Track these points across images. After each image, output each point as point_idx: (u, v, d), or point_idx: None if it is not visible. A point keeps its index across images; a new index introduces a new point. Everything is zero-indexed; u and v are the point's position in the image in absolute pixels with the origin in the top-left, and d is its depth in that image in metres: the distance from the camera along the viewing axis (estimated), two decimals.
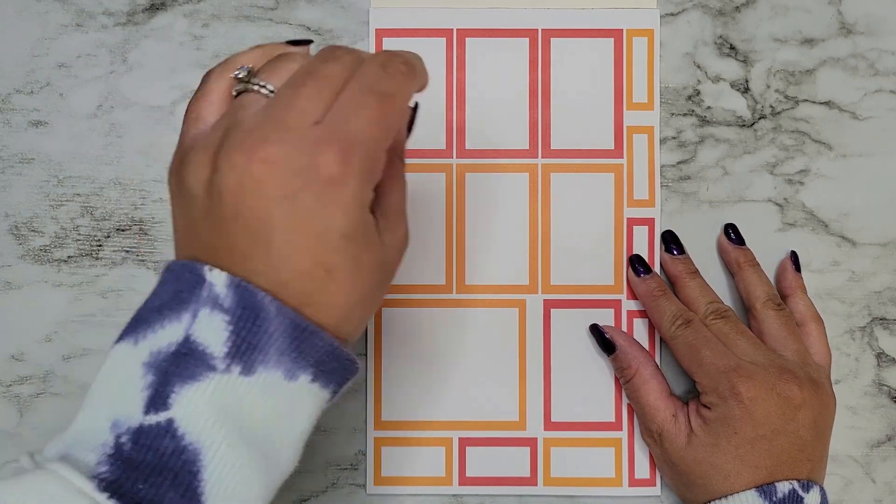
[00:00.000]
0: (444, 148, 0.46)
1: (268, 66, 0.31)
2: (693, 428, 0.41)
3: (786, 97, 0.47)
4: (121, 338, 0.30)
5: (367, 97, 0.29)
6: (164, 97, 0.46)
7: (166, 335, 0.29)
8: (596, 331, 0.45)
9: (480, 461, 0.45)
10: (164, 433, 0.28)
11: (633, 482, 0.45)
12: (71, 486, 0.26)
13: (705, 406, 0.41)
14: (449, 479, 0.45)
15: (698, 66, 0.47)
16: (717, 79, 0.47)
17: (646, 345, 0.46)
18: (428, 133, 0.46)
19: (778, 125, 0.47)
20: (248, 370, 0.28)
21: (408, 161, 0.46)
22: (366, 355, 0.46)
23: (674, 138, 0.47)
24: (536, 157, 0.46)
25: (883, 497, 0.46)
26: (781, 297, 0.45)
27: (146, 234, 0.46)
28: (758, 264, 0.45)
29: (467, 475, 0.46)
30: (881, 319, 0.47)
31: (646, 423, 0.43)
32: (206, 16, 0.47)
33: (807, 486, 0.39)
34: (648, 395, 0.43)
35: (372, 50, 0.46)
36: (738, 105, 0.47)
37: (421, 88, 0.32)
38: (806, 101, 0.47)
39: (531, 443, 0.46)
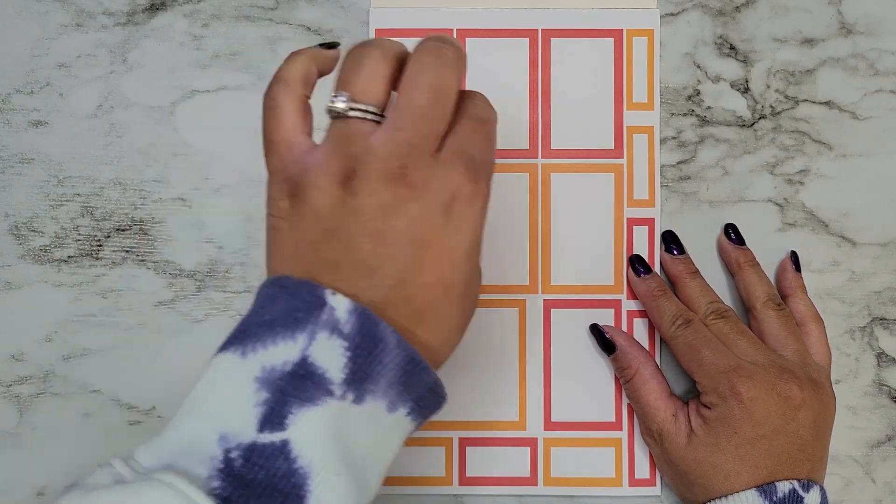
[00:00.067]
0: None
1: (350, 85, 0.31)
2: (693, 428, 0.41)
3: (786, 97, 0.47)
4: (225, 347, 0.29)
5: (475, 122, 0.32)
6: (164, 97, 0.47)
7: (280, 353, 0.28)
8: (596, 331, 0.45)
9: (480, 461, 0.45)
10: (279, 454, 0.27)
11: (634, 482, 0.46)
12: (189, 501, 0.26)
13: (705, 406, 0.41)
14: (449, 479, 0.45)
15: (698, 66, 0.47)
16: (717, 79, 0.47)
17: (646, 345, 0.46)
18: None
19: (778, 125, 0.47)
20: (359, 398, 0.29)
21: None
22: None
23: (674, 138, 0.47)
24: (536, 157, 0.46)
25: (883, 497, 0.46)
26: (781, 297, 0.45)
27: (146, 234, 0.46)
28: (758, 264, 0.45)
29: (467, 475, 0.45)
30: (881, 319, 0.47)
31: (646, 422, 0.43)
32: (206, 16, 0.47)
33: (807, 486, 0.39)
34: (648, 394, 0.43)
35: None
36: (738, 105, 0.47)
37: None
38: (806, 101, 0.47)
39: (531, 443, 0.46)
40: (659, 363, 0.45)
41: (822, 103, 0.47)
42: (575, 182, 0.46)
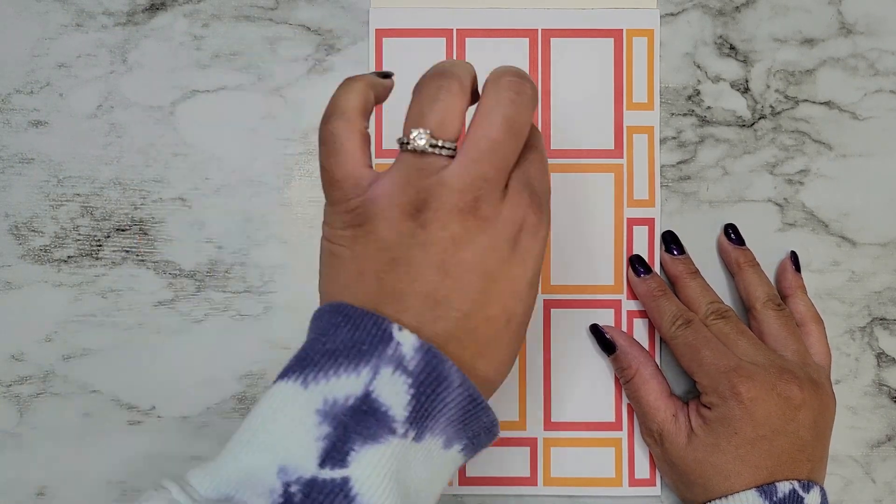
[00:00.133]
0: None
1: (427, 120, 0.31)
2: (693, 428, 0.41)
3: (786, 97, 0.47)
4: (285, 374, 0.29)
5: (534, 154, 0.32)
6: (164, 97, 0.46)
7: (342, 386, 0.28)
8: (596, 331, 0.45)
9: (480, 461, 0.45)
10: (339, 491, 0.27)
11: (633, 482, 0.46)
12: None
13: (705, 406, 0.41)
14: (449, 480, 0.45)
15: (698, 66, 0.47)
16: (717, 79, 0.47)
17: (646, 345, 0.46)
18: None
19: (778, 125, 0.47)
20: (419, 436, 0.29)
21: None
22: None
23: (674, 138, 0.47)
24: None
25: (883, 497, 0.46)
26: (781, 297, 0.45)
27: (146, 234, 0.46)
28: (758, 264, 0.45)
29: (467, 475, 0.45)
30: (881, 319, 0.47)
31: (646, 423, 0.43)
32: (206, 16, 0.47)
33: (807, 487, 0.39)
34: (649, 395, 0.43)
35: (372, 50, 0.46)
36: (738, 105, 0.47)
37: None
38: (806, 101, 0.47)
39: (531, 443, 0.46)
40: (659, 363, 0.45)
41: (822, 103, 0.47)
42: (575, 182, 0.46)
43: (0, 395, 0.46)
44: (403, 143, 0.31)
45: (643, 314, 0.46)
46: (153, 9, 0.47)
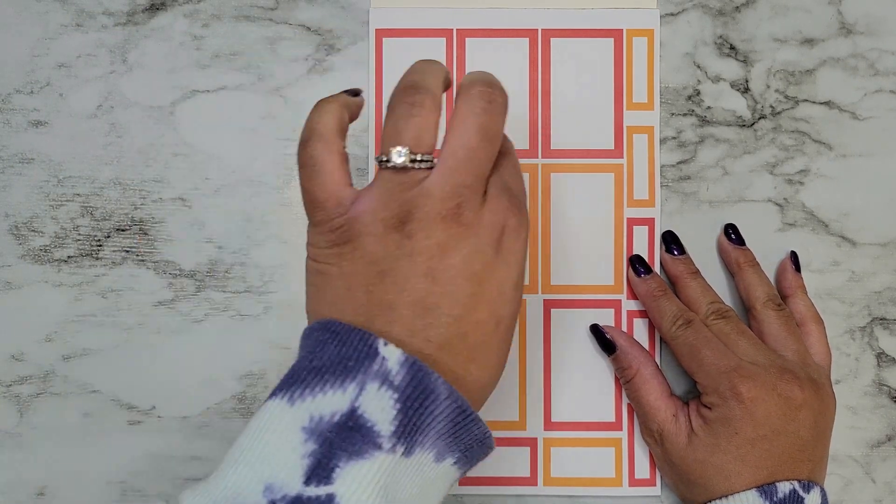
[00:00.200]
0: None
1: (403, 137, 0.31)
2: (694, 428, 0.41)
3: (786, 97, 0.47)
4: (274, 393, 0.29)
5: (506, 158, 0.34)
6: (164, 97, 0.46)
7: (328, 402, 0.28)
8: (596, 331, 0.45)
9: (481, 461, 0.45)
10: None
11: (634, 482, 0.45)
12: None
13: (706, 406, 0.41)
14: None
15: (698, 66, 0.47)
16: (717, 79, 0.47)
17: (646, 345, 0.46)
18: None
19: (778, 125, 0.47)
20: (409, 451, 0.29)
21: None
22: None
23: (674, 138, 0.47)
24: (536, 157, 0.46)
25: (883, 497, 0.46)
26: (781, 297, 0.45)
27: (146, 234, 0.46)
28: (758, 264, 0.45)
29: (467, 475, 0.45)
30: (881, 319, 0.47)
31: (646, 423, 0.43)
32: (206, 16, 0.47)
33: (807, 487, 0.39)
34: (649, 395, 0.43)
35: (372, 49, 0.46)
36: (738, 105, 0.47)
37: None
38: (806, 101, 0.47)
39: (531, 443, 0.46)
40: (659, 363, 0.45)
41: (822, 103, 0.47)
42: (575, 182, 0.46)
43: (0, 395, 0.46)
44: (383, 161, 0.31)
45: (643, 314, 0.46)
46: (153, 9, 0.47)
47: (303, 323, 0.33)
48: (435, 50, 0.46)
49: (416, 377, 0.29)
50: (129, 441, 0.46)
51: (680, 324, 0.42)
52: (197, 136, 0.46)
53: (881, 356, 0.47)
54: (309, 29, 0.47)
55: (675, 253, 0.45)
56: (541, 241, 0.46)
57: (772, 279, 0.46)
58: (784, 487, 0.38)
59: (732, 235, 0.46)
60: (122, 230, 0.46)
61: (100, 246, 0.46)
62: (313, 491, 0.27)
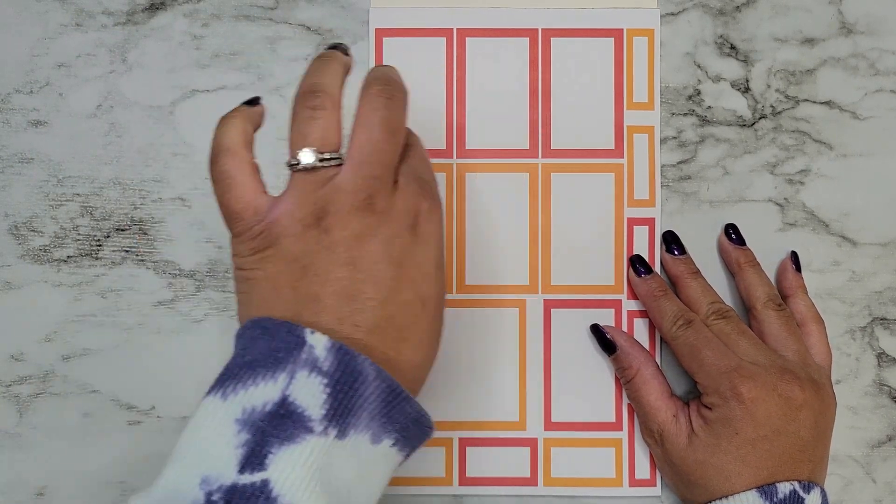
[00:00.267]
0: (444, 148, 0.46)
1: (309, 139, 0.33)
2: (694, 428, 0.41)
3: (786, 97, 0.47)
4: (209, 391, 0.30)
5: (414, 150, 0.35)
6: (164, 97, 0.46)
7: (260, 393, 0.29)
8: (597, 331, 0.45)
9: (480, 461, 0.45)
10: (259, 494, 0.28)
11: (634, 482, 0.45)
12: None
13: (706, 406, 0.41)
14: (449, 480, 0.45)
15: (699, 66, 0.47)
16: (717, 78, 0.47)
17: (646, 345, 0.46)
18: (428, 133, 0.46)
19: (778, 125, 0.47)
20: (342, 433, 0.29)
21: None
22: None
23: (674, 138, 0.47)
24: (536, 157, 0.46)
25: (883, 497, 0.46)
26: (782, 297, 0.45)
27: (146, 233, 0.46)
28: (758, 264, 0.45)
29: (467, 475, 0.45)
30: (882, 319, 0.47)
31: (646, 423, 0.43)
32: (206, 15, 0.47)
33: (808, 487, 0.39)
34: (649, 395, 0.43)
35: (372, 49, 0.46)
36: (739, 105, 0.47)
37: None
38: (806, 100, 0.47)
39: (531, 443, 0.46)
40: (659, 363, 0.45)
41: (822, 103, 0.47)
42: (575, 182, 0.46)
43: (0, 395, 0.46)
44: (293, 165, 0.33)
45: (644, 314, 0.46)
46: (153, 8, 0.47)
47: None
48: (435, 49, 0.46)
49: (343, 361, 0.30)
50: (128, 441, 0.46)
51: (680, 324, 0.42)
52: (197, 135, 0.46)
53: (882, 356, 0.46)
54: (309, 28, 0.47)
55: (676, 253, 0.45)
56: (541, 241, 0.46)
57: (772, 279, 0.46)
58: (784, 488, 0.38)
59: (733, 235, 0.46)
60: (122, 230, 0.46)
61: (99, 246, 0.46)
62: (248, 478, 0.28)
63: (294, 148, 0.33)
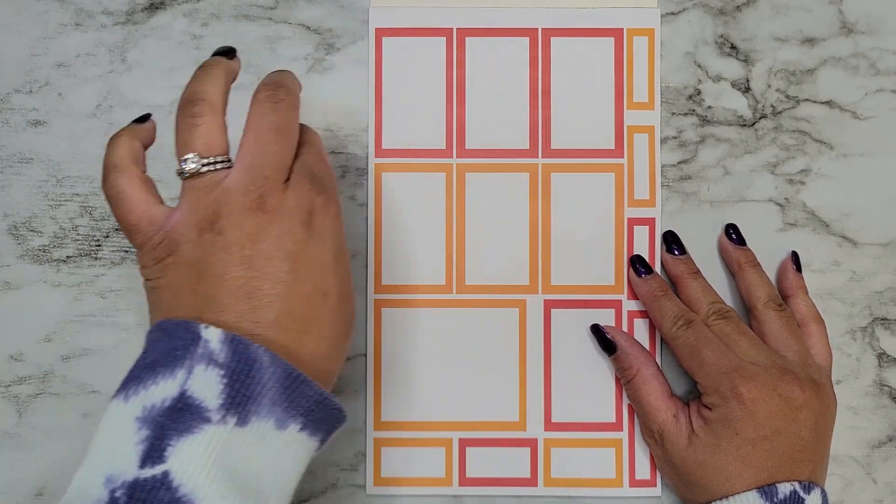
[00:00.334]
0: (444, 148, 0.46)
1: (192, 145, 0.34)
2: (694, 428, 0.41)
3: (787, 97, 0.47)
4: (113, 395, 0.31)
5: (308, 147, 0.36)
6: (164, 97, 0.46)
7: (160, 391, 0.30)
8: (597, 331, 0.45)
9: (480, 462, 0.45)
10: (160, 486, 0.28)
11: (634, 483, 0.45)
12: None
13: (706, 407, 0.41)
14: (449, 480, 0.45)
15: (699, 66, 0.47)
16: (717, 78, 0.47)
17: (646, 345, 0.46)
18: (428, 133, 0.46)
19: (779, 125, 0.47)
20: (243, 421, 0.30)
21: (409, 161, 0.46)
22: (365, 355, 0.46)
23: (674, 138, 0.47)
24: (536, 157, 0.46)
25: (884, 497, 0.46)
26: (782, 297, 0.45)
27: None
28: (759, 264, 0.45)
29: (467, 476, 0.45)
30: (882, 319, 0.46)
31: (647, 423, 0.43)
32: (206, 15, 0.47)
33: (808, 488, 0.39)
34: (649, 395, 0.43)
35: (371, 49, 0.46)
36: (739, 104, 0.47)
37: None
38: (807, 100, 0.47)
39: (531, 443, 0.46)
40: (660, 364, 0.45)
41: (822, 103, 0.47)
42: (575, 182, 0.46)
43: None
44: (181, 173, 0.34)
45: (644, 314, 0.46)
46: (152, 8, 0.47)
47: None
48: (435, 49, 0.46)
49: (237, 351, 0.30)
50: None
51: (681, 324, 0.42)
52: None
53: (882, 356, 0.46)
54: (308, 28, 0.47)
55: (676, 253, 0.45)
56: (541, 241, 0.46)
57: (773, 279, 0.46)
58: (785, 488, 0.38)
59: (733, 235, 0.45)
60: (121, 230, 0.46)
61: (99, 246, 0.46)
62: (149, 472, 0.29)
63: (179, 156, 0.34)
